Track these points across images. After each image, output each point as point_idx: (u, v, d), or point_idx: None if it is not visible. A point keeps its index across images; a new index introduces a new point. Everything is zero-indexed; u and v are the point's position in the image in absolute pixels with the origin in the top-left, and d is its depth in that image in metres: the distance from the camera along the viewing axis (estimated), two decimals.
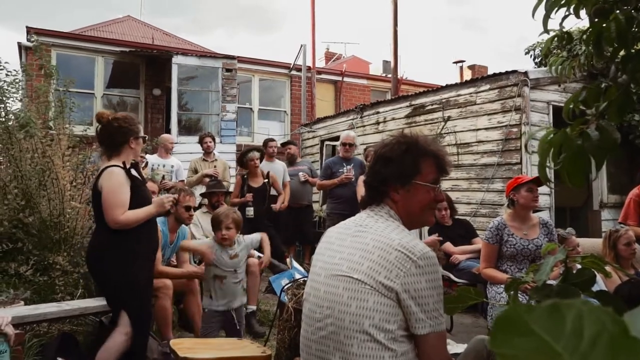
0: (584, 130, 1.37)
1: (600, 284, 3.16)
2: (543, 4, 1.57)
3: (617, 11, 1.47)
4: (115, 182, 2.73)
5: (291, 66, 12.07)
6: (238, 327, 3.43)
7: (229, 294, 3.43)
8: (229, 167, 6.97)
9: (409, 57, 47.96)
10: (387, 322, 1.47)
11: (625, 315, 0.60)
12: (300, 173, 6.60)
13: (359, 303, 1.50)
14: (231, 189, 6.24)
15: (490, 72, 6.59)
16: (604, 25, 1.48)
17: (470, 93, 6.50)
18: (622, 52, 1.54)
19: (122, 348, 2.76)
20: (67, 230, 4.11)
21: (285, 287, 2.86)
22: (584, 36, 1.58)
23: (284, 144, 7.31)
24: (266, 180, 5.88)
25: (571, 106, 1.60)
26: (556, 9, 1.56)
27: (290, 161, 6.89)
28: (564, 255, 1.33)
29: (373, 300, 1.49)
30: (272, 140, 7.04)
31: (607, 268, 1.42)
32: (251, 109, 11.73)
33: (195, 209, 4.37)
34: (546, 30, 1.63)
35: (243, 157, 5.85)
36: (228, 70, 10.08)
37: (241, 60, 10.78)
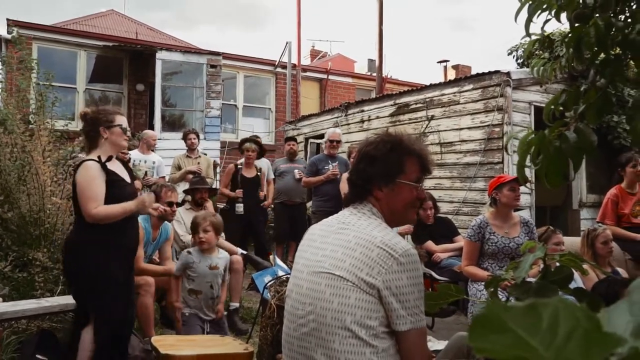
0: (562, 132, 1.40)
1: (578, 282, 3.22)
2: (525, 8, 1.60)
3: (597, 16, 1.51)
4: (87, 176, 2.71)
5: (276, 63, 12.03)
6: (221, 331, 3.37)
7: (203, 308, 3.37)
8: (213, 164, 6.94)
9: (394, 56, 48.19)
10: (369, 318, 1.49)
11: (601, 312, 0.62)
12: (296, 170, 6.62)
13: (341, 300, 1.51)
14: (215, 185, 6.24)
15: (474, 72, 6.66)
16: (584, 29, 1.52)
17: (454, 92, 6.56)
18: (601, 56, 1.58)
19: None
20: (48, 226, 4.06)
21: (268, 284, 2.86)
22: (565, 40, 1.61)
23: (287, 139, 7.33)
24: (258, 173, 5.98)
25: (552, 108, 1.64)
26: (538, 13, 1.60)
27: (291, 157, 6.91)
28: (542, 253, 1.36)
29: (355, 297, 1.50)
30: (256, 136, 7.02)
31: (585, 266, 1.46)
32: (236, 105, 11.67)
33: (178, 205, 4.34)
34: (528, 34, 1.66)
35: (240, 146, 5.98)
36: (213, 66, 10.00)
37: (226, 56, 10.71)
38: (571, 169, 1.47)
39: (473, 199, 6.11)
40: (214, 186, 6.10)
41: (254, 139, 6.08)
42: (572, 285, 1.32)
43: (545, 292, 1.24)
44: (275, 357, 2.48)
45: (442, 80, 9.48)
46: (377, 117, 7.91)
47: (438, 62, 14.87)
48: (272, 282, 2.89)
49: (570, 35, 1.58)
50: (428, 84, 7.20)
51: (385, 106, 7.77)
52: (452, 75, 13.82)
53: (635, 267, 4.03)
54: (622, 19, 1.57)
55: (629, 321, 0.57)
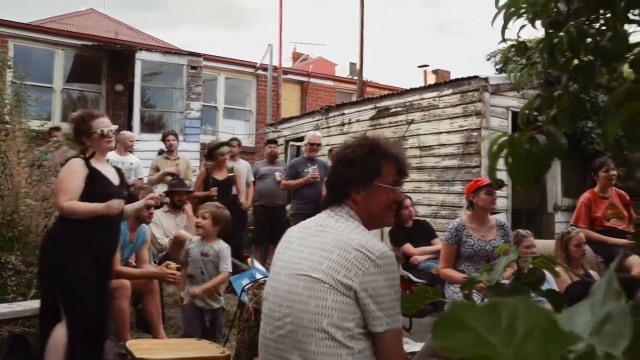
0: (533, 135, 1.43)
1: (551, 283, 3.28)
2: (501, 14, 1.63)
3: (571, 23, 1.54)
4: (67, 171, 2.81)
5: (258, 65, 12.01)
6: (211, 329, 3.36)
7: (208, 295, 3.38)
8: (192, 166, 6.89)
9: (376, 59, 48.45)
10: (345, 320, 1.50)
11: (564, 312, 0.64)
12: (277, 173, 6.60)
13: (318, 302, 1.52)
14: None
15: (454, 76, 6.74)
16: (557, 36, 1.55)
17: (434, 97, 6.63)
18: (574, 62, 1.61)
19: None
20: (22, 228, 3.98)
21: (246, 287, 2.85)
22: (540, 46, 1.65)
23: (267, 142, 7.33)
24: (231, 174, 5.91)
25: (526, 112, 1.67)
26: (513, 19, 1.63)
27: (271, 160, 6.90)
28: (516, 256, 1.39)
29: (332, 299, 1.51)
30: (235, 139, 7.02)
31: (558, 268, 1.49)
32: (216, 107, 11.61)
33: (156, 207, 4.30)
34: (504, 40, 1.69)
35: (213, 151, 5.87)
36: (193, 67, 9.94)
37: (207, 57, 10.66)
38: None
39: (451, 202, 6.17)
40: (192, 188, 6.05)
41: (228, 142, 6.06)
42: (545, 287, 1.35)
43: (518, 293, 1.27)
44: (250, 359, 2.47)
45: (422, 84, 9.57)
46: (358, 121, 7.95)
47: (419, 67, 15.02)
48: (249, 284, 2.89)
49: (544, 41, 1.61)
50: (408, 88, 7.26)
51: (365, 109, 7.81)
52: (432, 79, 13.96)
53: (607, 270, 4.12)
54: (597, 27, 1.61)
55: (590, 321, 0.59)
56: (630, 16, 1.51)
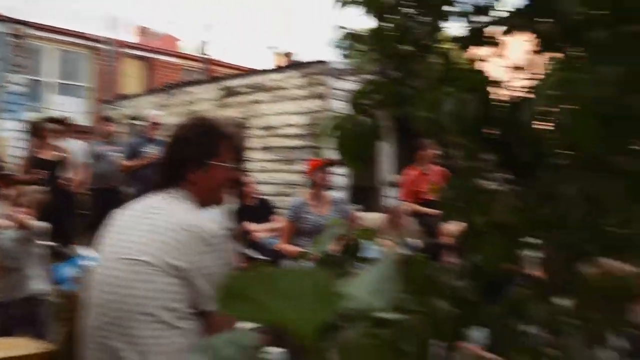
0: (359, 118, 1.56)
1: (375, 253, 3.62)
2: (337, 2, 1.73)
3: (397, 15, 1.68)
4: None
5: (95, 38, 11.03)
6: (31, 323, 3.04)
7: (12, 283, 3.05)
8: (12, 146, 6.13)
9: (227, 39, 47.57)
10: (174, 301, 1.48)
11: (355, 276, 0.73)
12: (113, 153, 6.13)
13: (145, 285, 1.48)
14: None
15: (302, 60, 6.96)
16: (385, 26, 1.68)
17: (281, 78, 6.77)
18: (398, 51, 1.77)
19: None
20: None
21: (72, 276, 2.65)
22: (370, 35, 1.78)
23: (103, 120, 6.83)
24: (62, 154, 5.42)
25: (358, 96, 1.80)
26: (346, 7, 1.73)
27: (107, 139, 6.38)
28: (340, 230, 1.50)
29: (160, 281, 1.48)
30: (66, 118, 6.43)
31: (384, 240, 1.65)
32: (45, 81, 10.42)
33: None
34: (338, 27, 1.79)
35: (37, 126, 5.37)
36: (17, 36, 8.83)
37: (36, 26, 9.49)
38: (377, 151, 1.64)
39: (295, 180, 6.39)
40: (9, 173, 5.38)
41: (56, 118, 5.55)
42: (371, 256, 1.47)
43: (342, 264, 1.38)
44: (75, 352, 2.31)
45: (272, 66, 9.66)
46: (203, 100, 7.78)
47: (268, 48, 15.14)
48: (76, 273, 2.69)
49: (373, 30, 1.74)
50: (256, 69, 7.30)
51: (211, 89, 7.68)
52: (281, 61, 14.16)
53: (428, 238, 4.66)
54: (418, 20, 1.77)
55: (373, 281, 0.67)
56: (443, 12, 1.70)
